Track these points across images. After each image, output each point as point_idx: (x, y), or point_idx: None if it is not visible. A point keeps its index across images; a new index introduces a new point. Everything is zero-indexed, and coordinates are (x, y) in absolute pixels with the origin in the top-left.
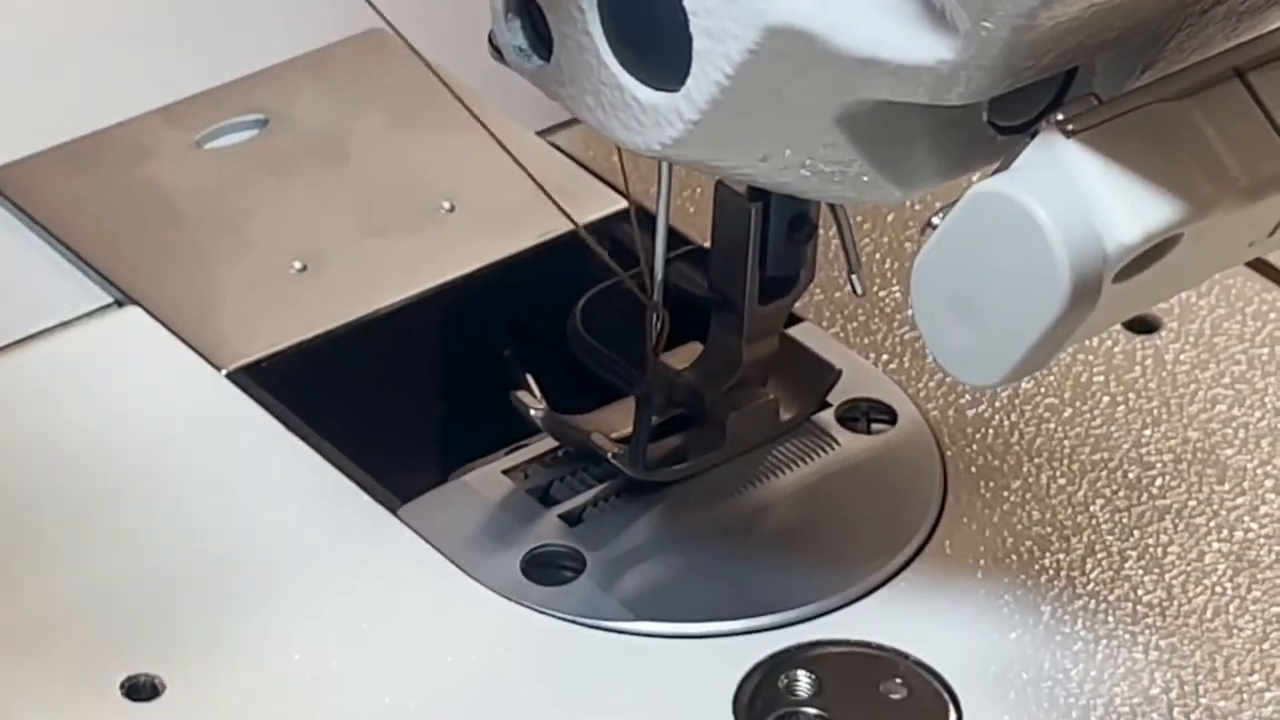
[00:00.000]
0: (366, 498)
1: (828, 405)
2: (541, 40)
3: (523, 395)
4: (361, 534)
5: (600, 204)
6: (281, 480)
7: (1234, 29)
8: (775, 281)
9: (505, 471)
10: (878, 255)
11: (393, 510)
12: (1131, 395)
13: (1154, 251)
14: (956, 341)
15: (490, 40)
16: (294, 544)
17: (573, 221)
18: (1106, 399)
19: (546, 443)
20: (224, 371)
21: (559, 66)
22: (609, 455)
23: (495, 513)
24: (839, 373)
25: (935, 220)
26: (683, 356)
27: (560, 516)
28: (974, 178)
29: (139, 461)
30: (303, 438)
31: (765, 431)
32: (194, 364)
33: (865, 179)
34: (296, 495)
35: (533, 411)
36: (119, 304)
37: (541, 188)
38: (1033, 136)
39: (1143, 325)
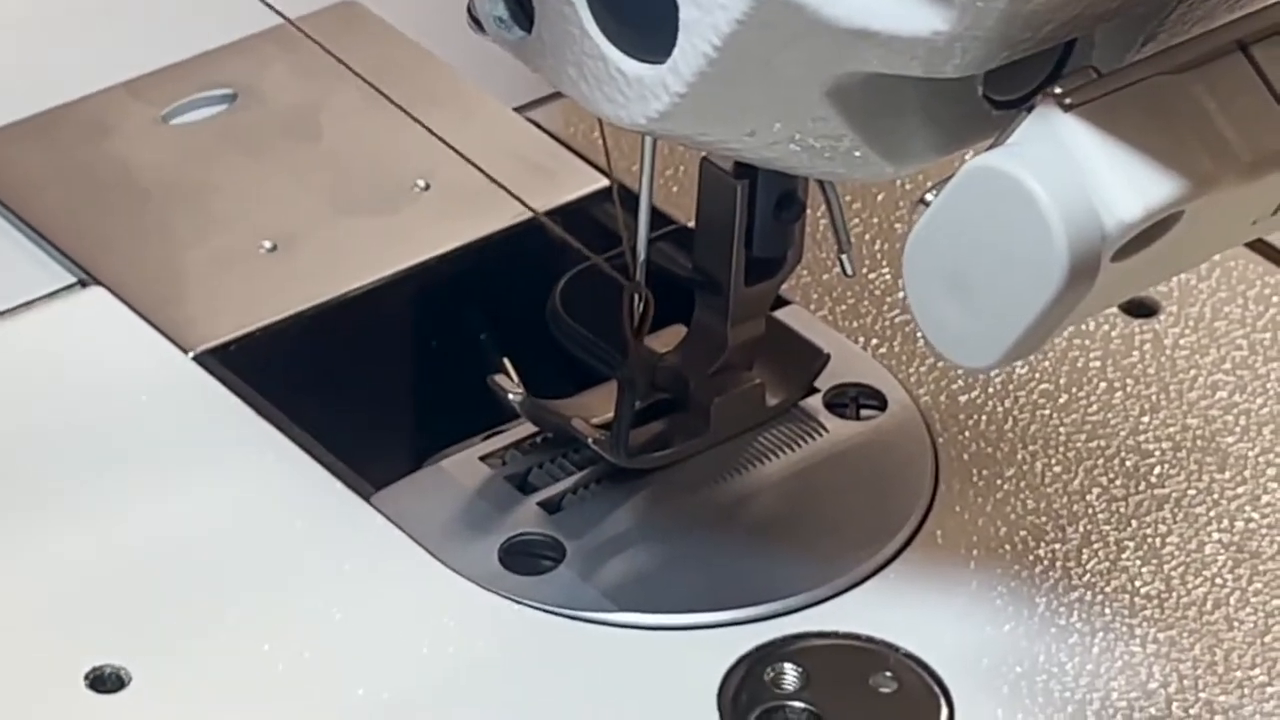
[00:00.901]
0: (339, 484)
1: (816, 390)
2: (523, 10)
3: (500, 379)
4: (334, 522)
5: (581, 182)
6: (251, 466)
7: (1237, 1)
8: (762, 262)
9: (482, 458)
10: (867, 236)
11: (366, 497)
12: (1129, 381)
13: (1154, 229)
14: (949, 322)
15: (469, 11)
16: (264, 532)
17: (532, 210)
18: (1103, 385)
19: (525, 428)
20: (191, 354)
21: (540, 38)
22: (590, 441)
23: (472, 500)
24: (827, 357)
25: (928, 197)
26: (666, 339)
27: (539, 504)
28: (968, 154)
29: (103, 447)
30: (273, 423)
31: (751, 417)
32: (160, 346)
33: (856, 154)
34: (266, 482)
35: (511, 396)
36: (82, 284)
37: (492, 179)
38: (1029, 110)
39: (1141, 309)
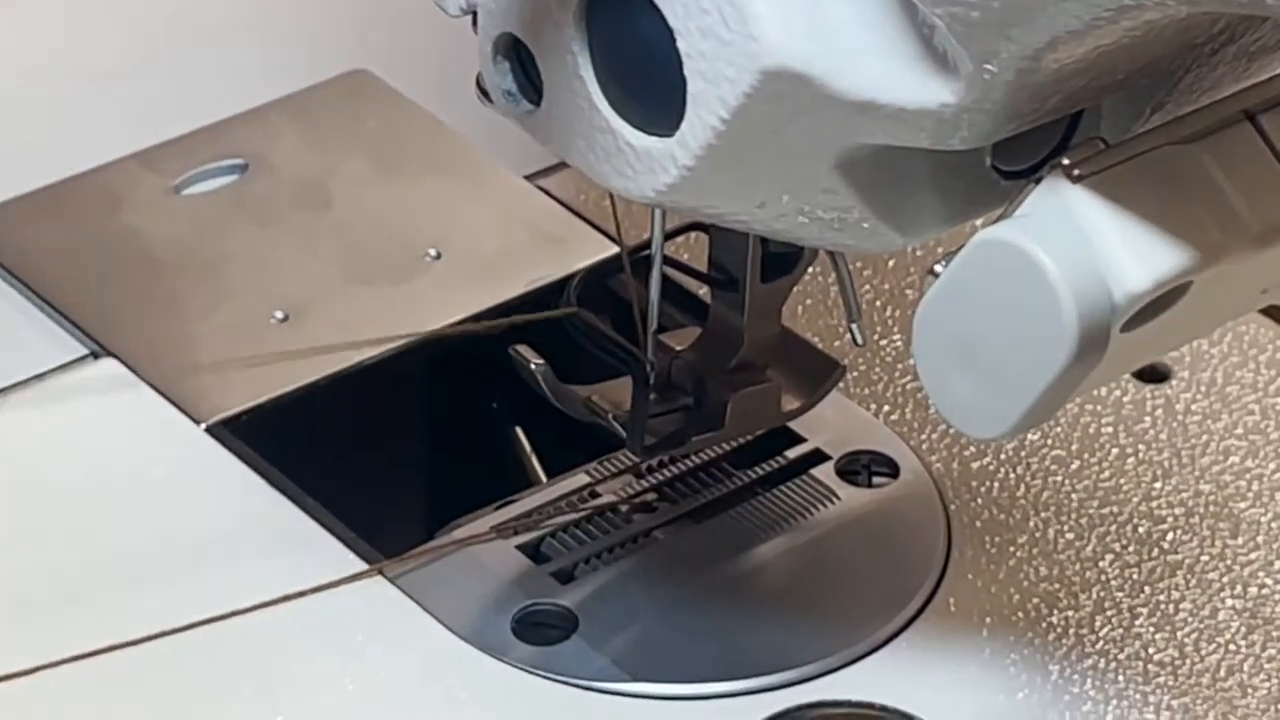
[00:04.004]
0: (351, 554)
1: (828, 458)
2: (531, 84)
3: (522, 349)
4: (346, 592)
5: (592, 250)
6: (263, 537)
7: (1244, 69)
8: (778, 258)
9: (495, 527)
10: (878, 302)
11: (378, 568)
12: (1141, 447)
13: (1163, 300)
14: (960, 393)
15: (478, 83)
16: (277, 603)
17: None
18: (1115, 450)
19: (537, 498)
20: (203, 425)
21: (549, 111)
22: (610, 416)
23: (484, 570)
24: (843, 369)
25: (938, 268)
26: (682, 338)
27: (552, 574)
28: (978, 223)
29: (116, 519)
30: (284, 493)
31: (766, 418)
32: (172, 417)
33: (865, 226)
34: (278, 552)
35: (533, 365)
36: (95, 356)
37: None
38: (1038, 182)
39: (1153, 374)
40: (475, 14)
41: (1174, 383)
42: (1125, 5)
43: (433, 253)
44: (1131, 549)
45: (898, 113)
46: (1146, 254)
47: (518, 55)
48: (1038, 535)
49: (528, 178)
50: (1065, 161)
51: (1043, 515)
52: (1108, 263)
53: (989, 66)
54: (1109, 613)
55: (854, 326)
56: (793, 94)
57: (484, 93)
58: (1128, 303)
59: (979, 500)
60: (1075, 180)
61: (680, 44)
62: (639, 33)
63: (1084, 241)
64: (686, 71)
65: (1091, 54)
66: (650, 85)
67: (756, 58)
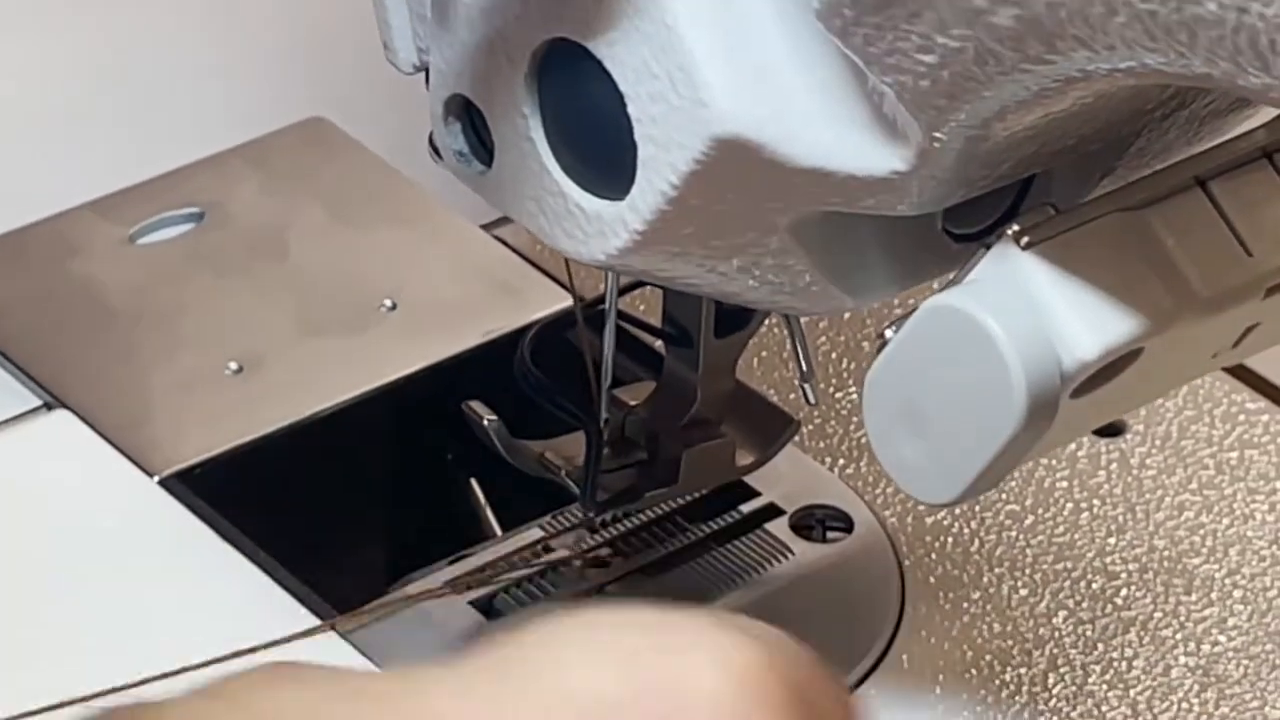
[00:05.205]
0: (303, 609)
1: (782, 512)
2: (483, 145)
3: (475, 405)
4: (298, 647)
5: (549, 300)
6: (215, 591)
7: (1195, 133)
8: (731, 314)
9: (448, 583)
10: (834, 355)
11: (331, 623)
12: (1096, 501)
13: (1114, 366)
14: (910, 458)
15: (430, 142)
16: (229, 657)
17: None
18: (1070, 505)
19: (491, 553)
20: (156, 478)
21: (500, 172)
22: (562, 473)
23: (437, 625)
24: (797, 424)
25: (887, 333)
26: (636, 393)
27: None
28: (935, 285)
29: (68, 572)
30: (237, 547)
31: (720, 474)
32: (125, 470)
33: (816, 289)
34: (231, 606)
35: (486, 421)
36: (48, 407)
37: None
38: (988, 247)
39: (1108, 428)
40: (428, 71)
41: (1129, 437)
42: (1073, 77)
43: (388, 303)
44: (1085, 605)
45: (847, 179)
46: (1096, 321)
47: (469, 116)
48: (991, 591)
49: (484, 227)
50: (1015, 228)
51: (996, 571)
52: (1057, 330)
53: (939, 134)
54: (1062, 670)
55: (806, 386)
56: (743, 160)
57: (436, 151)
58: (1077, 370)
59: (933, 555)
60: (1025, 247)
61: (631, 109)
62: (590, 97)
63: (1033, 308)
64: (637, 136)
65: (1041, 121)
66: (601, 149)
67: (707, 124)
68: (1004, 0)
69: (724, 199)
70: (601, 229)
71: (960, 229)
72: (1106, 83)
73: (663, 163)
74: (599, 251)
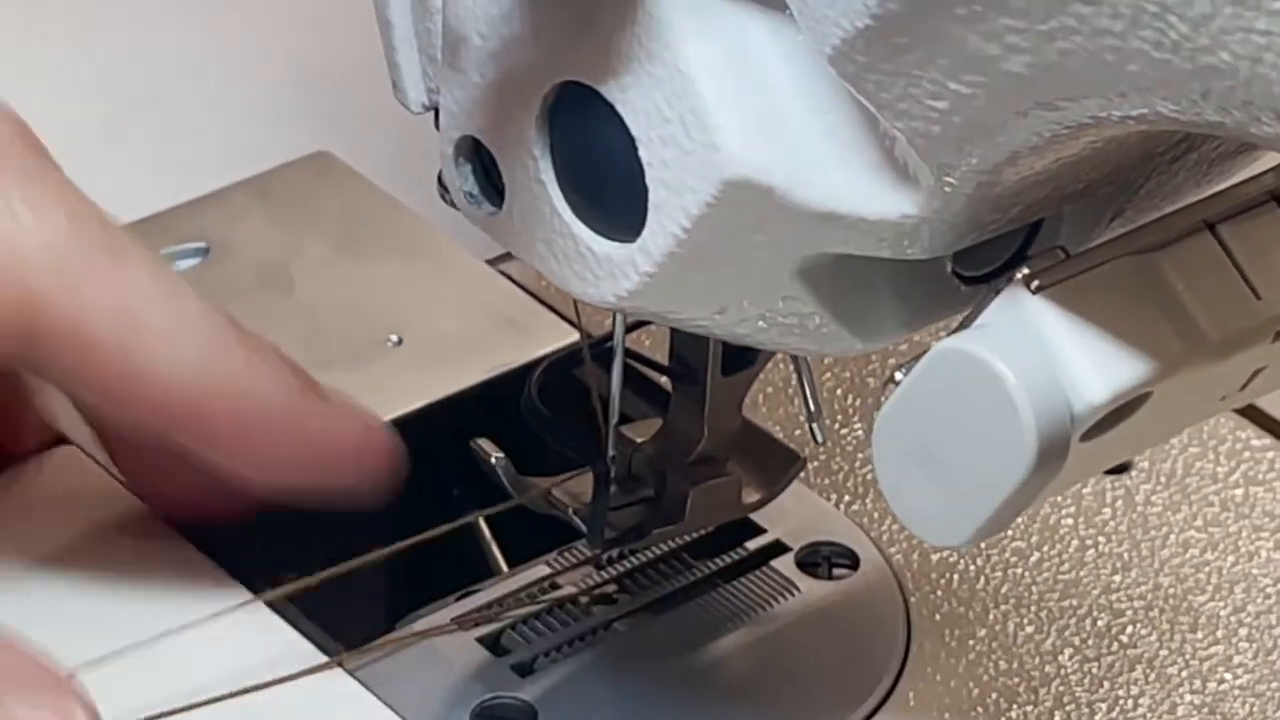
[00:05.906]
0: (309, 645)
1: (788, 549)
2: (493, 186)
3: (482, 443)
4: (304, 684)
5: (555, 336)
6: (221, 628)
7: (1205, 175)
8: (739, 352)
9: (455, 619)
10: (839, 391)
11: (337, 660)
12: (1101, 538)
13: (1123, 409)
14: (920, 501)
15: (439, 181)
16: (234, 695)
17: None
18: (1076, 542)
19: (497, 589)
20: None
21: (510, 214)
22: (569, 510)
23: (444, 662)
24: (803, 461)
25: (897, 375)
26: (643, 430)
27: (512, 667)
28: (942, 326)
29: (70, 609)
30: (243, 582)
31: (726, 511)
32: (131, 505)
33: (825, 331)
34: (234, 642)
35: (493, 459)
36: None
37: None
38: (998, 291)
39: (1113, 465)
40: (437, 111)
41: (1134, 474)
42: (1085, 124)
43: (394, 338)
44: (1091, 643)
45: (858, 223)
46: (1106, 365)
47: (479, 158)
48: (997, 628)
49: (490, 262)
50: (1025, 272)
51: (1002, 608)
52: (1067, 374)
53: (950, 179)
54: (1068, 708)
55: (814, 425)
56: (754, 203)
57: (445, 190)
58: (1087, 413)
59: (939, 592)
60: (1035, 291)
61: (642, 152)
62: (601, 140)
63: (1043, 352)
64: (648, 180)
65: (1053, 166)
66: (612, 192)
67: (718, 168)
68: (1016, 48)
69: (735, 242)
70: (612, 271)
71: (970, 271)
72: (1118, 128)
73: (674, 206)
74: (609, 293)
